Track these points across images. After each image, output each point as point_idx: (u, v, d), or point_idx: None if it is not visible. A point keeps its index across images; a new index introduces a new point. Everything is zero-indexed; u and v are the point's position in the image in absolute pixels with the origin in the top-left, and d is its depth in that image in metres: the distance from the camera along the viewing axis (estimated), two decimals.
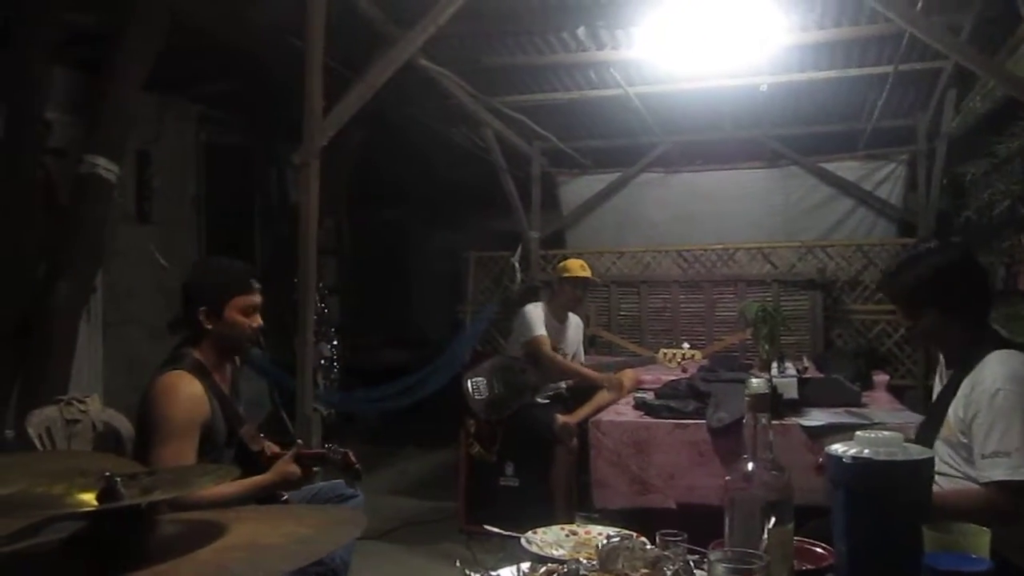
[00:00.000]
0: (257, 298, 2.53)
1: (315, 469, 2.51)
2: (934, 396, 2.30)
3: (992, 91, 4.58)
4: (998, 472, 1.94)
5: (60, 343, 3.94)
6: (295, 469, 2.39)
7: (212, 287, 2.50)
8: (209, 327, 2.45)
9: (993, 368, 2.04)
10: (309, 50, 3.70)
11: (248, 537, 1.10)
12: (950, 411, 2.11)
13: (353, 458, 2.50)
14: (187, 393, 2.33)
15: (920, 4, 3.78)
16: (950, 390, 2.14)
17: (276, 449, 2.68)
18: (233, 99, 5.79)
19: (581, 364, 4.87)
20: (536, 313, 4.72)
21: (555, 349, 4.66)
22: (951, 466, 2.06)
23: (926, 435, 2.14)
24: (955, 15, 4.14)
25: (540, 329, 4.63)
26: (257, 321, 2.53)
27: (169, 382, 2.34)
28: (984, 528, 1.30)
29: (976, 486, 2.00)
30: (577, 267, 4.78)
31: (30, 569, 1.14)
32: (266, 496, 2.39)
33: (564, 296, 4.73)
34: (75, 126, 4.43)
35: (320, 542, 1.12)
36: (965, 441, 2.04)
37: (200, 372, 2.41)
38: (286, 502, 2.51)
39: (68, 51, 4.17)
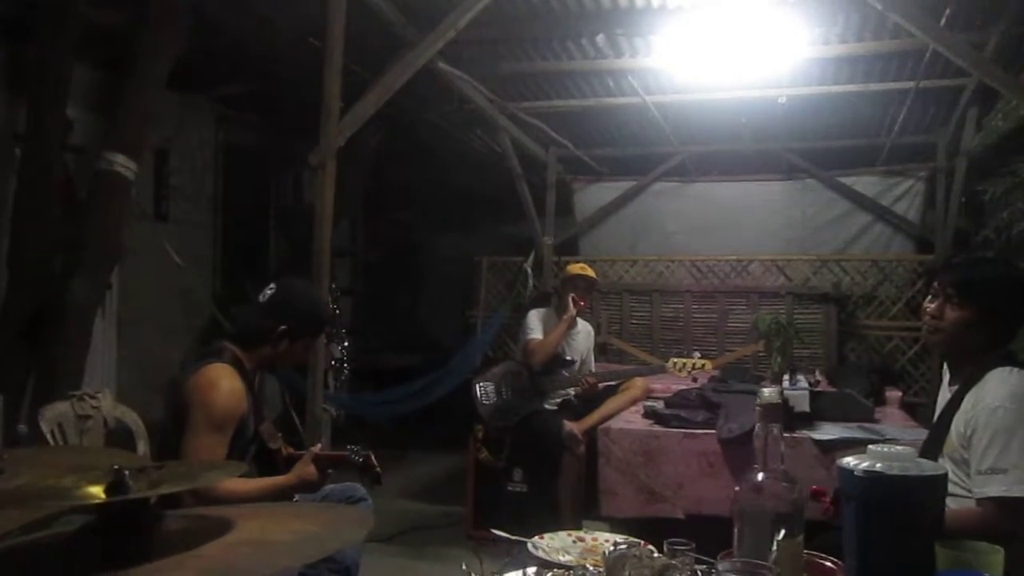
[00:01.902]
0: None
1: (328, 471, 2.52)
2: (936, 411, 2.29)
3: (1015, 110, 4.54)
4: (993, 488, 1.93)
5: (75, 339, 3.97)
6: (313, 471, 2.40)
7: (306, 317, 2.57)
8: (274, 341, 2.50)
9: (994, 385, 2.04)
10: (328, 52, 3.71)
11: (255, 534, 1.10)
12: (952, 427, 2.10)
13: (375, 460, 2.51)
14: (230, 387, 2.35)
15: (944, 20, 3.76)
16: (953, 406, 2.13)
17: (292, 450, 2.69)
18: (252, 99, 5.82)
19: (592, 371, 4.86)
20: (536, 317, 4.72)
21: (559, 354, 4.66)
22: (956, 483, 2.04)
23: (930, 452, 2.12)
24: (979, 32, 4.12)
25: (534, 333, 4.65)
26: (305, 359, 2.67)
27: (215, 374, 2.36)
28: (997, 546, 1.28)
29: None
30: (576, 267, 4.81)
31: (39, 561, 1.14)
32: (283, 497, 2.40)
33: (567, 298, 4.70)
34: (95, 124, 4.47)
35: (327, 540, 1.12)
36: (967, 457, 2.03)
37: (239, 368, 2.44)
38: (295, 501, 2.52)
39: (90, 49, 4.20)
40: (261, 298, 2.55)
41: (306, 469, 2.41)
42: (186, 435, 2.29)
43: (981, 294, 2.15)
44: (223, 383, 2.34)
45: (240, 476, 2.29)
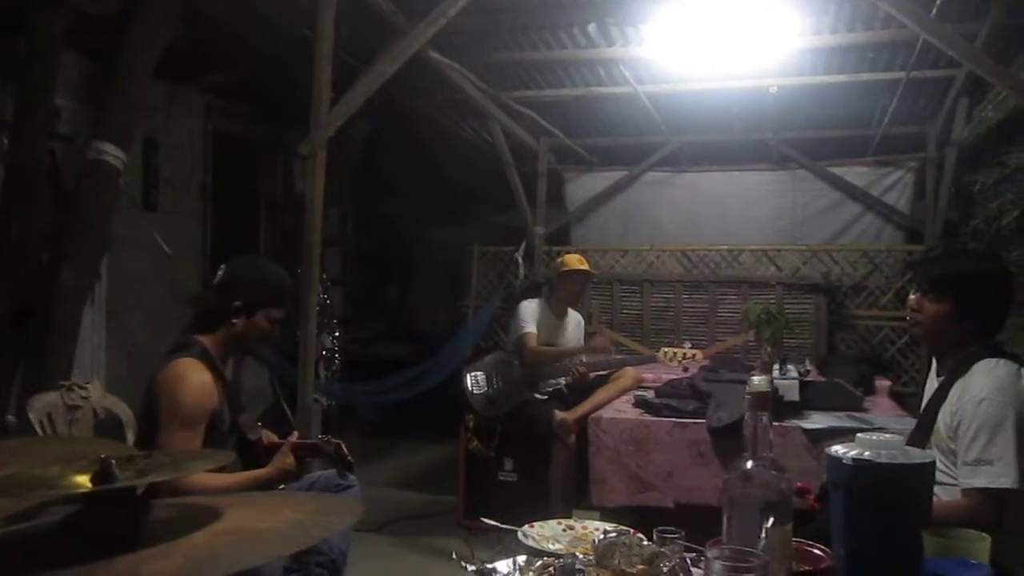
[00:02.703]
0: (284, 314, 2.60)
1: (306, 460, 2.52)
2: (924, 401, 2.30)
3: (1005, 101, 4.55)
4: (979, 480, 1.95)
5: (64, 329, 3.95)
6: (291, 461, 2.41)
7: (257, 288, 2.54)
8: (234, 321, 2.49)
9: (980, 377, 2.06)
10: (318, 40, 3.69)
11: (242, 522, 1.10)
12: (939, 418, 2.11)
13: (345, 450, 2.52)
14: (198, 381, 2.34)
15: (935, 10, 3.76)
16: (940, 396, 2.14)
17: (273, 439, 2.68)
18: (241, 88, 5.79)
19: (583, 360, 4.86)
20: (529, 309, 4.72)
21: (548, 344, 4.66)
22: (944, 472, 2.06)
23: (917, 442, 2.14)
24: (970, 23, 4.12)
25: (528, 326, 4.63)
26: (275, 333, 2.60)
27: (181, 369, 2.35)
28: (984, 534, 1.29)
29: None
30: (575, 260, 4.77)
31: (24, 551, 1.13)
32: (264, 489, 2.40)
33: (563, 291, 4.71)
34: (84, 112, 4.44)
35: (314, 528, 1.12)
36: (954, 447, 2.05)
37: (208, 360, 2.43)
38: (282, 490, 2.52)
39: (79, 38, 4.17)
40: (215, 281, 2.56)
41: (284, 460, 2.41)
42: (158, 433, 2.28)
43: (956, 288, 2.17)
44: (191, 378, 2.33)
45: (220, 469, 2.29)
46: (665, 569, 1.36)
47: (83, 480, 1.08)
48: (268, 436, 2.70)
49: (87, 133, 4.07)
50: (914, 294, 2.27)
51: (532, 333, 4.62)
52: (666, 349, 4.69)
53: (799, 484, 1.95)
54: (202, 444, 2.31)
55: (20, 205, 3.91)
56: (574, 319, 4.90)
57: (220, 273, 2.56)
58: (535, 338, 4.62)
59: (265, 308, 2.53)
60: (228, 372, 2.57)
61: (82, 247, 3.97)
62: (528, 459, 4.50)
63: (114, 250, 4.60)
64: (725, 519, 1.39)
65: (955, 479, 2.03)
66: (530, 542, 1.71)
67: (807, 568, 1.48)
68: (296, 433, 2.64)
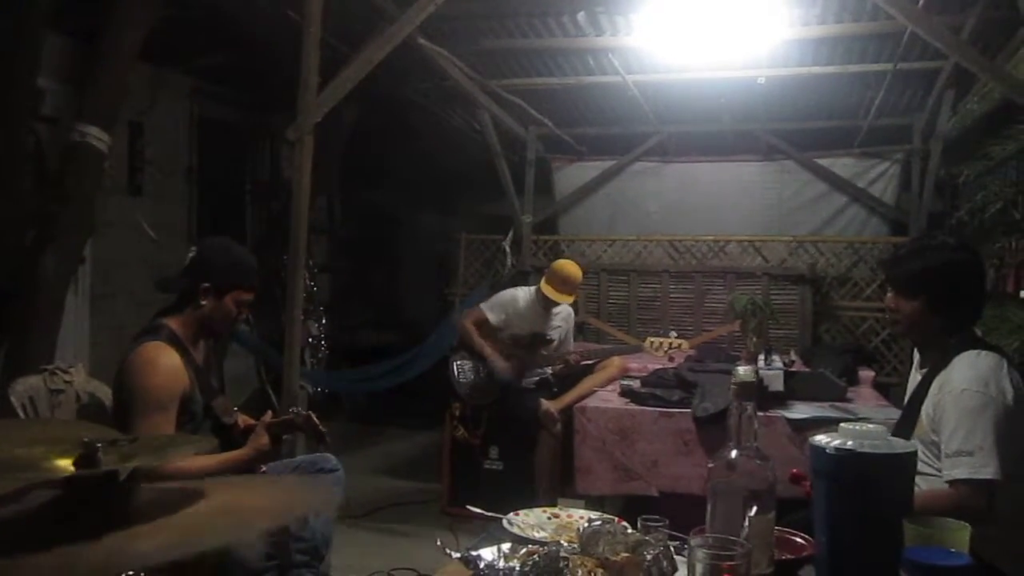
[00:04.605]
0: (253, 296, 2.58)
1: (284, 437, 2.53)
2: (907, 394, 2.32)
3: (990, 93, 4.57)
4: (960, 471, 1.97)
5: (47, 313, 3.91)
6: (266, 441, 2.41)
7: (224, 270, 2.52)
8: (203, 303, 2.47)
9: (961, 368, 2.07)
10: (306, 25, 3.67)
11: (225, 502, 1.10)
12: (923, 410, 2.13)
13: (316, 420, 2.53)
14: (167, 364, 2.33)
15: (922, 2, 3.77)
16: (923, 389, 2.16)
17: (250, 422, 2.68)
18: (228, 72, 5.74)
19: (569, 353, 4.86)
20: (503, 298, 4.75)
21: (534, 334, 4.67)
22: (927, 464, 2.07)
23: (901, 434, 2.16)
24: (956, 15, 4.14)
25: (485, 308, 4.69)
26: (243, 315, 2.58)
27: (149, 354, 2.34)
28: (964, 523, 1.30)
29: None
30: (557, 282, 4.59)
31: (7, 534, 1.13)
32: (243, 471, 2.39)
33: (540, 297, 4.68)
34: (68, 94, 4.39)
35: (296, 506, 1.12)
36: (936, 439, 2.06)
37: (176, 343, 2.42)
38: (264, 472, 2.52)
39: (63, 18, 4.11)
40: (186, 262, 2.57)
41: (260, 440, 2.41)
42: (130, 419, 2.27)
43: (928, 284, 2.18)
44: (159, 361, 2.32)
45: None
46: (649, 557, 1.36)
47: (67, 463, 1.08)
48: (244, 420, 2.70)
49: (71, 115, 4.02)
50: (889, 293, 2.29)
51: (481, 312, 4.68)
52: (652, 339, 4.70)
53: (795, 471, 1.96)
54: (175, 428, 2.31)
55: (3, 188, 3.87)
56: (563, 310, 4.86)
57: (191, 254, 2.56)
58: (480, 319, 4.67)
59: (235, 290, 2.51)
60: (199, 356, 2.55)
61: (66, 230, 3.93)
62: (514, 447, 4.51)
63: (99, 234, 4.56)
64: (709, 507, 1.40)
65: (938, 471, 2.05)
66: (515, 530, 1.72)
67: (789, 556, 1.49)
68: (269, 412, 2.63)
